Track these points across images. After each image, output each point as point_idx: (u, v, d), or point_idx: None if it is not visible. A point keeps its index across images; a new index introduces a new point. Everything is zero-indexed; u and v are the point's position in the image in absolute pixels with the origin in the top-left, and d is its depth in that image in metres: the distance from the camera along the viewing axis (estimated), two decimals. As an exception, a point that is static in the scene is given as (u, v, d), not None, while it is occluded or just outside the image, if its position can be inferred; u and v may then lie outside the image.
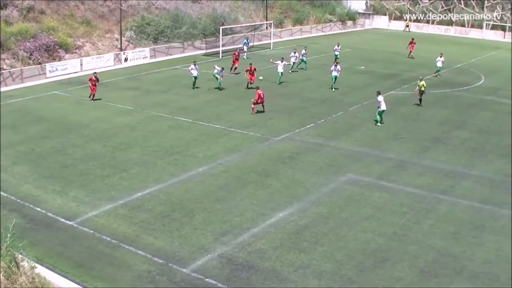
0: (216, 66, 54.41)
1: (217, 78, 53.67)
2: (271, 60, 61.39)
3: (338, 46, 72.67)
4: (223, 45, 75.38)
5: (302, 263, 23.69)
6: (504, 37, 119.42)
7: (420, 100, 51.62)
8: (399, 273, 23.41)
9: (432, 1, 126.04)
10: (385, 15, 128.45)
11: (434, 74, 65.99)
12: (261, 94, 45.07)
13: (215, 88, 53.66)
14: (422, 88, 51.10)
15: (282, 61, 57.70)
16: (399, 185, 32.99)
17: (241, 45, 77.20)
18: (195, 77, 53.46)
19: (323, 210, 28.81)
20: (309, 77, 61.56)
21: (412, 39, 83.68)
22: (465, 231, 27.59)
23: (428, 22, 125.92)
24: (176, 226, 26.45)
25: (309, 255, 24.40)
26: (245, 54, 72.89)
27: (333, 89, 55.31)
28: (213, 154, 36.22)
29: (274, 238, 25.74)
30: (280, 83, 57.16)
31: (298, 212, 28.47)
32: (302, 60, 66.72)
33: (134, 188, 30.46)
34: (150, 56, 70.07)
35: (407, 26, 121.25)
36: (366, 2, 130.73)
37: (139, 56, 68.63)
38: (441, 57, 66.84)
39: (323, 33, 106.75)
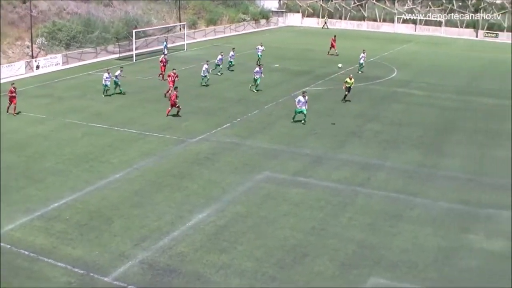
0: (118, 71, 53.20)
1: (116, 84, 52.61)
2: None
3: (261, 46, 72.14)
4: (136, 48, 74.65)
5: (223, 263, 23.69)
6: (415, 30, 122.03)
7: (345, 96, 52.29)
8: (319, 267, 23.65)
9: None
10: (298, 12, 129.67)
11: (358, 72, 66.77)
12: (174, 96, 44.64)
13: (117, 93, 52.69)
14: (350, 86, 51.72)
15: (206, 63, 57.24)
16: (316, 180, 33.35)
17: (154, 48, 76.80)
18: (105, 86, 52.00)
19: (241, 209, 28.88)
20: (226, 77, 61.58)
21: (334, 36, 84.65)
22: (382, 222, 28.12)
23: (341, 18, 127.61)
24: (94, 235, 26.05)
25: (229, 255, 24.42)
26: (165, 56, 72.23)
27: (255, 91, 55.05)
28: (129, 159, 35.82)
29: (194, 240, 25.67)
30: (206, 85, 56.77)
31: (216, 212, 28.45)
32: (230, 62, 66.37)
33: (50, 198, 29.76)
34: (63, 63, 68.50)
35: (325, 23, 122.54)
36: (279, 0, 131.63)
37: (51, 63, 67.04)
38: (364, 53, 67.83)
39: (237, 33, 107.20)
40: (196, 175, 33.43)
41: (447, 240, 26.50)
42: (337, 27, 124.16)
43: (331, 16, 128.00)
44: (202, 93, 53.82)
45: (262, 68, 55.53)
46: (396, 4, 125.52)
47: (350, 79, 52.01)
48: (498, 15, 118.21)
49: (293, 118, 44.48)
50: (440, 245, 26.06)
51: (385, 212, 29.28)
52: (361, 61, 67.52)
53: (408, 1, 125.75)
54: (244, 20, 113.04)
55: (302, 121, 44.26)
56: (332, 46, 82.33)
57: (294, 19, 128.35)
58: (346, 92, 52.04)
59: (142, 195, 30.55)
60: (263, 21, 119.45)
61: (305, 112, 44.01)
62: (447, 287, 22.69)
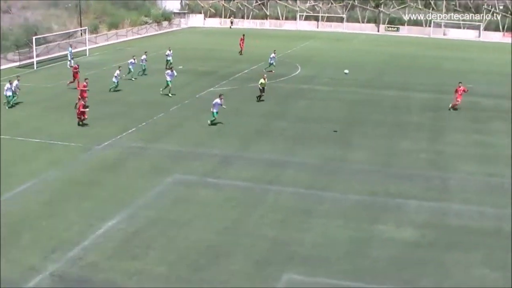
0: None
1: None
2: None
3: (170, 50, 70.79)
4: (37, 56, 72.76)
5: (136, 270, 23.33)
6: (318, 27, 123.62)
7: (259, 96, 52.34)
8: (234, 267, 23.60)
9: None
10: (201, 13, 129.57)
11: (269, 71, 66.92)
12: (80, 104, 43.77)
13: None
14: (264, 86, 51.70)
15: (119, 69, 56.29)
16: (226, 180, 33.31)
17: (56, 54, 75.48)
18: (8, 97, 50.27)
19: (152, 213, 28.52)
20: (129, 81, 60.86)
21: (243, 35, 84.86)
22: (293, 218, 28.30)
23: (243, 17, 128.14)
24: (3, 249, 25.25)
25: (142, 260, 24.08)
26: (70, 62, 70.79)
27: (170, 95, 54.09)
28: (35, 169, 34.73)
29: (105, 248, 25.20)
30: (116, 91, 55.94)
31: (127, 219, 28.02)
32: (143, 66, 65.34)
33: (-46, 214, 28.85)
34: (-40, 72, 66.40)
35: (231, 23, 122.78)
36: (181, 1, 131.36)
37: None
38: (274, 53, 68.18)
39: (140, 36, 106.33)
40: (105, 182, 32.87)
41: (358, 232, 26.89)
42: (240, 26, 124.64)
43: (233, 16, 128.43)
44: (106, 99, 52.96)
45: (174, 71, 54.96)
46: (298, 1, 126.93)
47: (264, 79, 52.12)
48: (398, 9, 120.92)
49: (212, 121, 44.26)
50: (351, 237, 26.42)
51: (296, 208, 29.49)
52: (271, 61, 67.88)
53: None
54: (146, 22, 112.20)
55: (209, 122, 44.12)
56: (242, 46, 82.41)
57: (196, 20, 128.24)
58: (262, 93, 52.11)
59: (50, 205, 29.73)
60: (165, 23, 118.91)
61: (215, 115, 43.85)
62: (360, 278, 22.97)
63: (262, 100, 52.02)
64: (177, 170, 34.64)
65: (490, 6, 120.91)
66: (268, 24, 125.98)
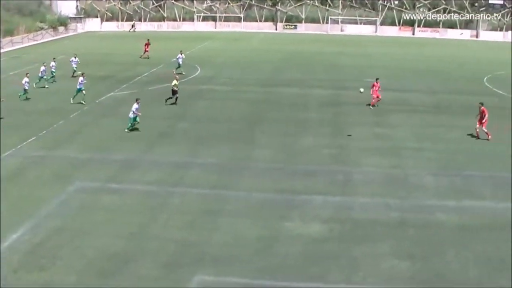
0: None
1: None
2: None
3: (75, 57, 68.56)
4: None
5: (44, 281, 22.65)
6: (216, 27, 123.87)
7: (170, 98, 51.48)
8: (143, 271, 23.26)
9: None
10: (97, 17, 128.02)
11: (179, 73, 66.59)
12: None
13: None
14: (175, 88, 50.92)
15: (26, 76, 54.74)
16: (130, 184, 32.81)
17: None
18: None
19: (57, 223, 27.77)
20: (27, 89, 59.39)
21: (148, 39, 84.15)
22: (201, 219, 28.12)
23: (140, 20, 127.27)
24: None
25: (49, 271, 23.40)
26: None
27: (84, 102, 52.48)
28: None
29: (10, 261, 24.34)
30: (26, 99, 54.35)
31: (31, 229, 27.20)
32: (52, 73, 63.58)
33: None
34: None
35: (133, 26, 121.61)
36: (77, 6, 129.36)
37: None
38: (181, 54, 67.84)
39: (36, 42, 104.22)
40: (6, 194, 31.68)
41: (266, 230, 26.94)
42: (138, 29, 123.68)
43: (130, 18, 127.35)
44: (2, 107, 51.57)
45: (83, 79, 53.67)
46: (195, 2, 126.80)
47: (177, 80, 51.72)
48: (295, 7, 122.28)
49: (130, 127, 43.37)
50: (260, 235, 26.45)
51: (202, 209, 29.31)
52: (180, 61, 67.70)
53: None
54: (42, 28, 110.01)
55: (130, 127, 43.39)
56: (146, 49, 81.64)
57: (93, 24, 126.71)
58: (176, 95, 51.27)
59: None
60: (61, 29, 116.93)
61: (137, 119, 43.22)
62: (271, 275, 23.01)
63: (174, 104, 51.18)
64: (80, 177, 33.91)
65: (385, 2, 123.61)
66: (166, 26, 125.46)
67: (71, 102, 52.16)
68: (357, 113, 49.08)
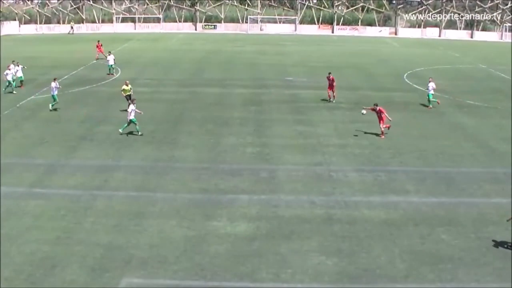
0: None
1: None
2: None
3: (18, 65, 65.69)
4: None
5: (-32, 290, 22.45)
6: (135, 28, 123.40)
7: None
8: (70, 276, 23.07)
9: (61, 1, 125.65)
10: (15, 20, 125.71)
11: (110, 74, 68.04)
12: None
13: None
14: (128, 92, 49.35)
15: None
16: (53, 189, 32.39)
17: None
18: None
19: (-20, 229, 27.47)
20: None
21: (98, 41, 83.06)
22: (127, 221, 28.01)
23: (59, 22, 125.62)
24: None
25: (-26, 279, 23.18)
26: None
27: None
28: None
29: None
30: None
31: (-47, 237, 26.85)
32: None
33: None
34: None
35: (72, 28, 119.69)
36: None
37: None
38: (110, 54, 67.34)
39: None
40: None
41: (193, 230, 27.02)
42: (56, 32, 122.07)
43: (49, 21, 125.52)
44: None
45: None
46: (114, 3, 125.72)
47: (127, 85, 50.10)
48: (214, 7, 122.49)
49: (123, 129, 42.82)
50: (187, 235, 26.51)
51: (128, 211, 29.19)
52: (110, 62, 67.27)
53: (126, 0, 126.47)
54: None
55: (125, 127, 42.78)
56: (100, 51, 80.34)
57: (11, 28, 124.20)
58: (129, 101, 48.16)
59: None
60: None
61: (135, 120, 42.36)
62: (199, 275, 23.12)
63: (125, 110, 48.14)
64: (3, 183, 33.24)
65: (304, 0, 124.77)
66: (84, 28, 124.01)
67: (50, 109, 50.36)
68: (279, 111, 49.50)
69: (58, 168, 35.81)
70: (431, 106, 51.62)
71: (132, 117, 42.28)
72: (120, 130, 42.58)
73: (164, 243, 25.79)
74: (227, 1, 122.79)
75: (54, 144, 40.66)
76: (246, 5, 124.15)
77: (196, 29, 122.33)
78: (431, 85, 51.58)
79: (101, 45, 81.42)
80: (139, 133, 42.34)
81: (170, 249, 25.25)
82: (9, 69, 58.02)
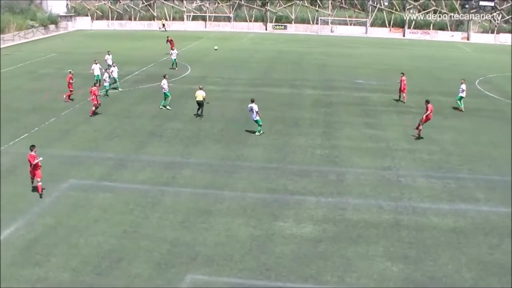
0: None
1: None
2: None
3: (108, 54, 67.27)
4: None
5: (38, 277, 22.75)
6: (206, 27, 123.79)
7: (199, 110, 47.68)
8: (136, 270, 23.34)
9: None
10: (87, 15, 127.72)
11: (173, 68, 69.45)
12: None
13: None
14: (199, 99, 46.86)
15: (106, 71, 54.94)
16: (122, 183, 32.85)
17: None
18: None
19: (50, 220, 27.81)
20: (16, 86, 59.23)
21: (168, 36, 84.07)
22: (194, 218, 28.17)
23: (130, 19, 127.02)
24: None
25: (44, 268, 23.48)
26: None
27: (169, 107, 50.47)
28: None
29: (5, 256, 24.37)
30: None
31: (25, 226, 27.24)
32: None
33: None
34: None
35: (163, 25, 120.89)
36: (67, 4, 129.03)
37: None
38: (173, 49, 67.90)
39: (27, 40, 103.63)
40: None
41: (259, 229, 27.01)
42: (128, 28, 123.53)
43: (120, 17, 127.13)
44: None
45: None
46: (185, 2, 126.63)
47: (200, 89, 47.26)
48: (285, 7, 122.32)
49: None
50: (253, 234, 26.52)
51: (195, 208, 29.37)
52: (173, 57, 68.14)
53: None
54: (33, 26, 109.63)
55: (259, 132, 42.58)
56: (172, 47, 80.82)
57: (83, 23, 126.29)
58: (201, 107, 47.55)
59: None
60: (52, 27, 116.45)
61: (260, 122, 42.33)
62: (264, 275, 23.08)
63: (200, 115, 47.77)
64: (73, 175, 33.88)
65: (375, 3, 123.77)
66: (155, 25, 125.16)
67: (160, 107, 50.68)
68: (349, 114, 49.06)
69: (127, 163, 36.23)
70: (462, 107, 50.99)
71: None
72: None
73: (230, 241, 25.83)
74: (298, 1, 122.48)
75: (124, 139, 41.16)
76: (317, 6, 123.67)
77: (266, 29, 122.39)
78: (463, 87, 50.73)
79: (172, 41, 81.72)
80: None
81: (236, 247, 25.27)
82: (106, 61, 60.58)
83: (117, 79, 57.81)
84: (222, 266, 23.72)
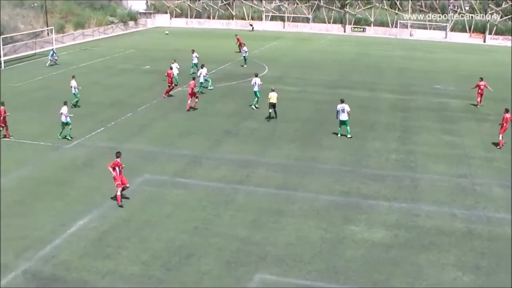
0: None
1: None
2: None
3: (193, 52, 67.71)
4: (4, 55, 71.93)
5: (108, 269, 23.13)
6: (284, 27, 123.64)
7: (272, 113, 46.73)
8: (205, 267, 23.48)
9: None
10: (166, 13, 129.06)
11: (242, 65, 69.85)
12: None
13: None
14: (273, 101, 45.81)
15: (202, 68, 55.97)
16: (196, 180, 33.14)
17: (23, 54, 74.92)
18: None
19: (123, 213, 28.26)
20: (94, 81, 60.29)
21: (236, 35, 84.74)
22: (265, 218, 28.20)
23: (209, 17, 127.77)
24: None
25: (114, 260, 23.87)
26: (49, 62, 70.42)
27: (256, 107, 50.27)
28: (4, 169, 34.34)
29: (77, 247, 24.93)
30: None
31: (98, 218, 27.76)
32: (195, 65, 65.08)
33: None
34: None
35: (251, 25, 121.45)
36: (147, 1, 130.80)
37: None
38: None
39: (106, 35, 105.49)
40: (76, 182, 32.52)
41: (330, 232, 26.85)
42: (206, 26, 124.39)
43: (199, 16, 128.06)
44: (72, 98, 52.33)
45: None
46: (264, 2, 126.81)
47: (272, 91, 46.26)
48: (364, 10, 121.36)
49: (338, 132, 42.56)
50: (324, 237, 26.39)
51: (267, 208, 29.40)
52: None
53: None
54: (112, 22, 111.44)
55: (349, 133, 42.28)
56: (240, 44, 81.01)
57: (162, 20, 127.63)
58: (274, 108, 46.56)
59: (21, 204, 29.40)
60: (131, 23, 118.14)
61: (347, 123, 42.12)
62: (333, 278, 22.94)
63: (273, 117, 47.00)
64: (148, 170, 34.36)
65: (456, 7, 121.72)
66: (234, 24, 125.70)
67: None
68: (426, 119, 48.27)
69: (202, 160, 36.54)
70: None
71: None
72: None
73: (300, 243, 25.76)
74: (377, 4, 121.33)
75: (200, 136, 41.50)
76: (397, 9, 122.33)
77: (344, 31, 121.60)
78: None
79: (240, 39, 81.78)
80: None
81: (306, 249, 25.19)
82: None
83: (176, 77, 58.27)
84: (291, 267, 23.66)
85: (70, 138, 39.84)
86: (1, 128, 39.95)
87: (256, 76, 50.34)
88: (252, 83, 49.89)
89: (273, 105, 45.97)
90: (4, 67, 69.48)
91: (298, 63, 77.18)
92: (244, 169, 35.10)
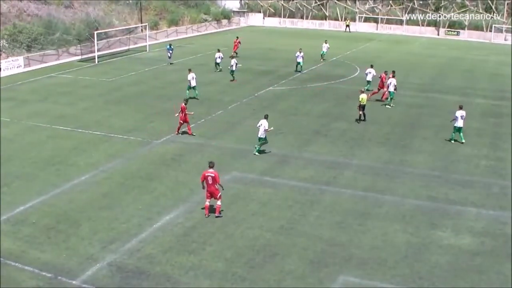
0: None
1: None
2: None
3: (300, 52, 67.44)
4: (98, 50, 73.89)
5: (192, 265, 23.51)
6: (377, 29, 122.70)
7: (361, 115, 46.59)
8: (289, 266, 23.59)
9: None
10: (260, 12, 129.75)
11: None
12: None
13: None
14: (363, 103, 45.88)
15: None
16: (283, 179, 33.30)
17: (117, 49, 76.52)
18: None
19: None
20: (186, 78, 60.95)
21: (237, 37, 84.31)
22: (351, 220, 28.13)
23: (302, 17, 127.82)
24: (62, 238, 25.62)
25: (199, 256, 24.23)
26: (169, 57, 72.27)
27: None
28: (95, 161, 35.34)
29: (162, 241, 25.43)
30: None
31: (185, 213, 28.24)
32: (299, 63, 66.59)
33: (17, 202, 29.00)
34: (25, 65, 66.69)
35: (347, 26, 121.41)
36: (241, 0, 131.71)
37: (13, 65, 65.05)
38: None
39: (199, 33, 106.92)
40: (164, 177, 33.15)
41: (416, 237, 26.59)
42: (299, 26, 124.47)
43: (292, 15, 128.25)
44: (163, 94, 53.28)
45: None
46: (357, 3, 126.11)
47: (361, 93, 46.34)
48: (459, 13, 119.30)
49: (452, 138, 41.82)
50: (410, 241, 26.15)
51: (353, 210, 29.33)
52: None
53: (369, 0, 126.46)
54: (206, 20, 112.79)
55: (462, 140, 41.59)
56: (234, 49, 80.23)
57: (255, 19, 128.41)
58: (360, 111, 46.40)
59: (109, 197, 30.19)
60: (224, 21, 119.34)
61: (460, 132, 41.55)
62: (417, 283, 22.72)
63: (363, 120, 46.75)
64: (236, 168, 34.72)
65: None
66: (327, 25, 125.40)
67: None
68: (519, 126, 47.28)
69: (290, 160, 36.70)
70: None
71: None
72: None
73: (385, 246, 25.61)
74: (472, 8, 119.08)
75: (289, 135, 41.66)
76: (492, 13, 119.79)
77: (438, 34, 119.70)
78: None
79: (239, 42, 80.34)
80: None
81: (391, 253, 25.02)
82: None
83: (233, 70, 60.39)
84: (375, 270, 23.56)
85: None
86: (181, 125, 41.22)
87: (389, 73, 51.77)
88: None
89: (362, 107, 45.69)
90: (98, 62, 71.12)
91: (391, 66, 76.13)
92: (331, 170, 35.07)
